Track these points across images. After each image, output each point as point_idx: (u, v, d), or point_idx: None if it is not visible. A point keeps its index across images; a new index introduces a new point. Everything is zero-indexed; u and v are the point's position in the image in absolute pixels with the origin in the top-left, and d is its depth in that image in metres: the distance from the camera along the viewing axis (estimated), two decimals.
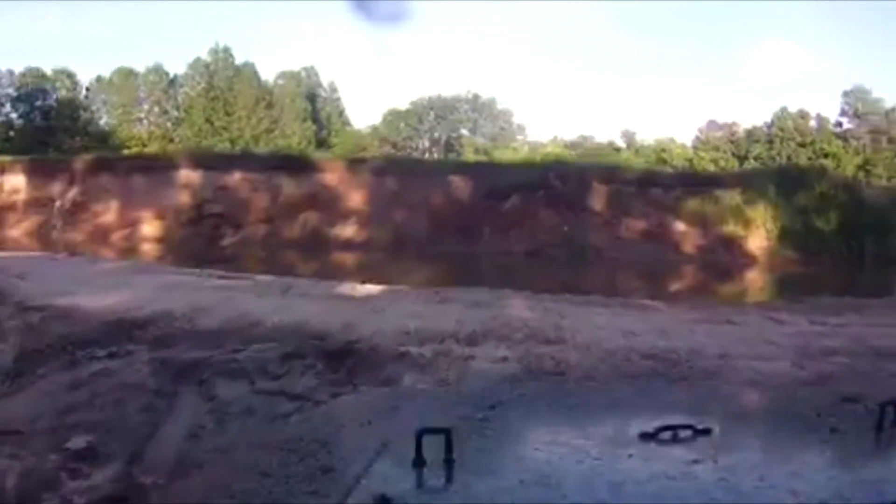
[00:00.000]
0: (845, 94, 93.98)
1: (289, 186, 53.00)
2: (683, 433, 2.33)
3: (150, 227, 51.03)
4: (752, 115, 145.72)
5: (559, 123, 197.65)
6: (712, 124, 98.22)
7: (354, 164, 55.18)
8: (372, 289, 18.27)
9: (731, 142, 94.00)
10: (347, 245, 50.85)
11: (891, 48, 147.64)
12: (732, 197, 56.49)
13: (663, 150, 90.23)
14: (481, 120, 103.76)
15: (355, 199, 53.46)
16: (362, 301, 15.69)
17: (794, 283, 41.70)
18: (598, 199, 56.54)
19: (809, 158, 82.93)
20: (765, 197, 55.95)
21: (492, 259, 46.79)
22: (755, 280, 46.28)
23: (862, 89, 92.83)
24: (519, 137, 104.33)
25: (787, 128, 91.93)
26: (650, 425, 2.34)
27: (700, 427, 2.37)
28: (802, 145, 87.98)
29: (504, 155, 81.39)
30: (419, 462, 1.97)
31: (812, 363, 8.33)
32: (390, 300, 15.74)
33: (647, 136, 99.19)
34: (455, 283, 24.21)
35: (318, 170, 53.90)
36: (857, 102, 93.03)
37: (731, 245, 54.12)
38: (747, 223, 54.88)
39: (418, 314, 12.80)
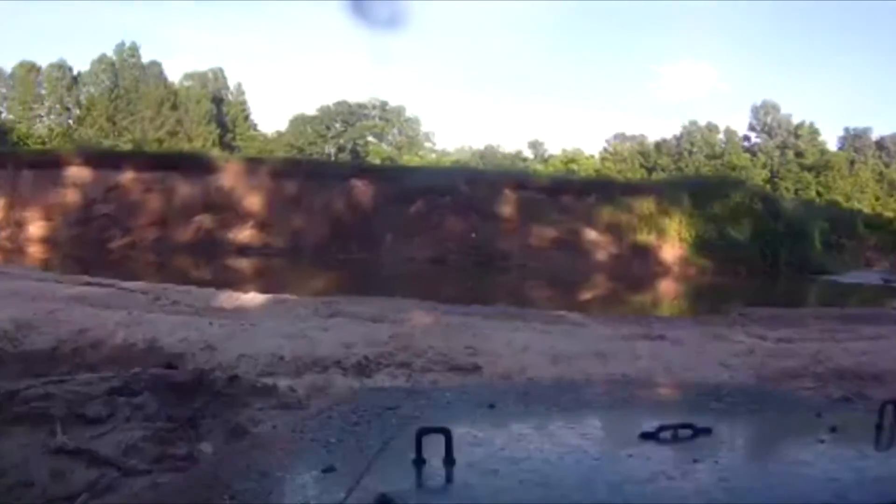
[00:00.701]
0: (754, 109, 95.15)
1: (183, 187, 49.55)
2: (683, 433, 2.09)
3: (35, 228, 47.21)
4: (662, 129, 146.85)
5: (467, 133, 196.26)
6: (620, 137, 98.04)
7: (253, 165, 52.05)
8: (254, 299, 15.95)
9: (640, 153, 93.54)
10: (243, 250, 47.76)
11: (800, 66, 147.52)
12: (646, 206, 55.11)
13: (571, 161, 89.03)
14: (389, 127, 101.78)
15: (253, 201, 50.09)
16: (238, 314, 13.42)
17: (712, 293, 40.95)
18: (507, 206, 54.79)
19: (717, 171, 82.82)
20: (679, 206, 55.31)
21: (395, 266, 44.20)
22: (671, 289, 44.40)
23: (771, 105, 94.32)
24: (427, 145, 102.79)
25: (696, 141, 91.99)
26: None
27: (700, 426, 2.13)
28: (711, 158, 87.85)
29: (411, 162, 79.45)
30: (419, 461, 1.81)
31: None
32: (271, 313, 13.53)
33: (555, 147, 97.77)
34: (352, 292, 22.00)
35: (214, 170, 50.41)
36: (765, 117, 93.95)
37: (645, 254, 53.12)
38: (661, 232, 54.14)
39: (300, 332, 10.63)
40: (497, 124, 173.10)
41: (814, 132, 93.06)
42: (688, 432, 2.11)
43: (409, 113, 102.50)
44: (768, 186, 78.09)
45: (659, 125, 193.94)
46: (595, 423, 2.68)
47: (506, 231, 52.83)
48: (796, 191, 79.48)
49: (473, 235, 51.71)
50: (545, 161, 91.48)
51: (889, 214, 79.27)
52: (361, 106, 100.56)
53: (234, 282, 27.90)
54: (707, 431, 2.15)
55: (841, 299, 38.30)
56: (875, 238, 75.03)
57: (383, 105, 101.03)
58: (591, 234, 53.45)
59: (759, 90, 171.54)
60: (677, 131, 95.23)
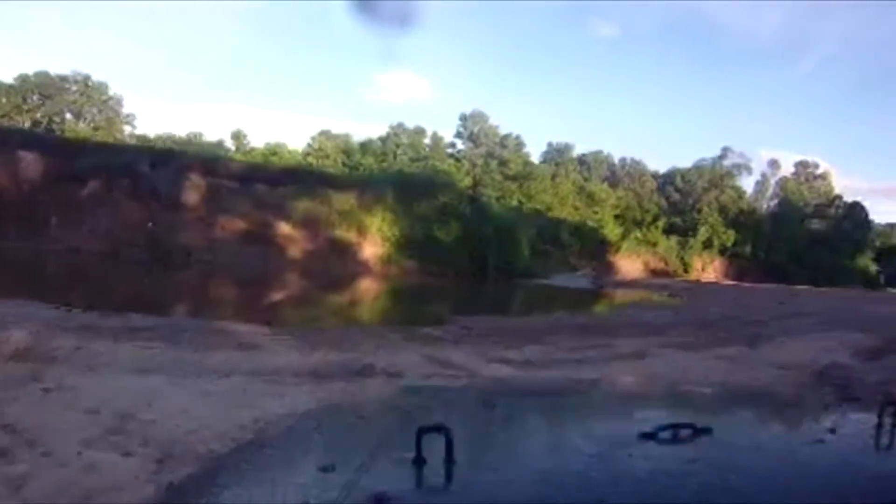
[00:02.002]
0: (463, 117, 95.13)
1: None
2: (683, 433, 2.15)
3: None
4: (370, 131, 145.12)
5: (172, 121, 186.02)
6: (326, 134, 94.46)
7: None
8: None
9: (344, 152, 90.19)
10: None
11: (511, 82, 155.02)
12: (347, 200, 51.32)
13: (273, 154, 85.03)
14: (89, 105, 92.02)
15: None
16: None
17: (419, 297, 37.59)
18: (193, 193, 49.25)
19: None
20: (382, 202, 52.06)
21: (53, 259, 37.67)
22: (372, 291, 40.10)
23: (479, 114, 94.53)
24: (126, 128, 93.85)
25: (401, 143, 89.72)
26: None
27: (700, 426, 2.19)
28: (415, 160, 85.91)
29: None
30: (419, 461, 1.89)
31: None
32: None
33: (259, 142, 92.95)
34: None
35: None
36: (473, 126, 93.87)
37: (344, 251, 49.16)
38: (362, 229, 50.84)
39: None
40: (203, 115, 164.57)
41: (519, 144, 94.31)
42: (688, 432, 2.11)
43: (112, 91, 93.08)
44: (472, 192, 76.14)
45: (369, 130, 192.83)
46: (595, 424, 2.58)
47: (190, 221, 47.65)
48: (498, 198, 79.60)
49: (151, 225, 46.10)
50: (247, 153, 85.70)
51: (592, 224, 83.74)
52: (63, 78, 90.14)
53: None
54: (707, 431, 2.14)
55: (558, 304, 36.82)
56: (579, 245, 79.17)
57: (86, 80, 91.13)
58: (285, 228, 48.82)
59: (470, 102, 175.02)
60: (384, 133, 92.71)
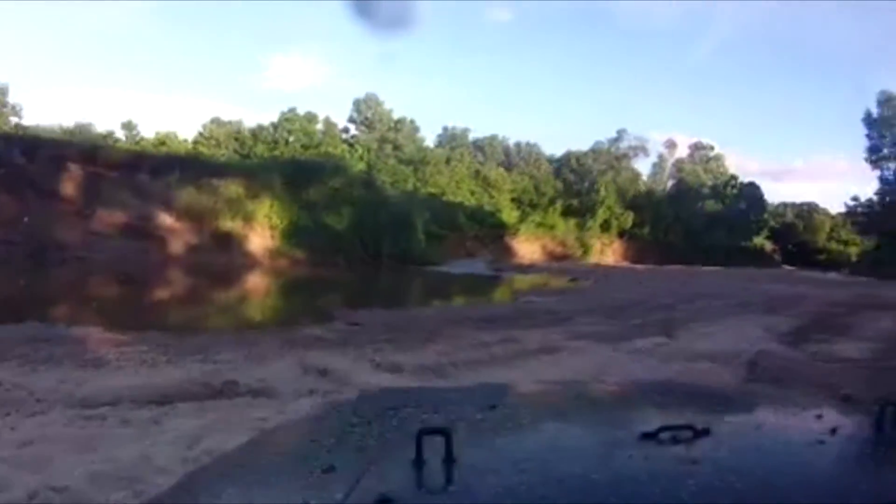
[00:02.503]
0: (356, 102, 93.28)
1: None
2: (683, 433, 2.11)
3: None
4: (264, 118, 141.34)
5: (61, 112, 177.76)
6: (217, 121, 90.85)
7: None
8: None
9: (235, 139, 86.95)
10: None
11: (405, 65, 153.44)
12: (234, 188, 48.59)
13: (163, 144, 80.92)
14: None
15: None
16: None
17: (306, 290, 35.43)
18: (71, 185, 46.08)
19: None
20: (270, 190, 49.54)
21: None
22: (255, 286, 37.53)
23: (373, 98, 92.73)
24: (12, 119, 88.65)
25: (293, 129, 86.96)
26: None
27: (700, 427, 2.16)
28: (307, 147, 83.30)
29: None
30: (419, 462, 1.88)
31: None
32: None
33: (151, 131, 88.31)
34: None
35: None
36: (367, 111, 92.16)
37: (230, 244, 46.61)
38: (249, 218, 48.29)
39: None
40: (94, 105, 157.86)
41: (414, 128, 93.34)
42: (688, 433, 2.09)
43: None
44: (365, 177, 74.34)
45: (262, 115, 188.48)
46: (595, 424, 2.59)
47: (67, 215, 44.37)
48: (393, 183, 77.25)
49: (27, 220, 42.60)
50: (137, 143, 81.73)
51: (489, 208, 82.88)
52: None
53: None
54: (707, 432, 2.11)
55: (456, 292, 35.65)
56: (475, 228, 78.31)
57: None
58: (168, 220, 46.06)
59: (365, 87, 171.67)
60: (275, 119, 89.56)
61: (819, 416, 2.46)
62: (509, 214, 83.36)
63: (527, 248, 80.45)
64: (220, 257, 44.19)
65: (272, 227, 48.24)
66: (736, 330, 19.48)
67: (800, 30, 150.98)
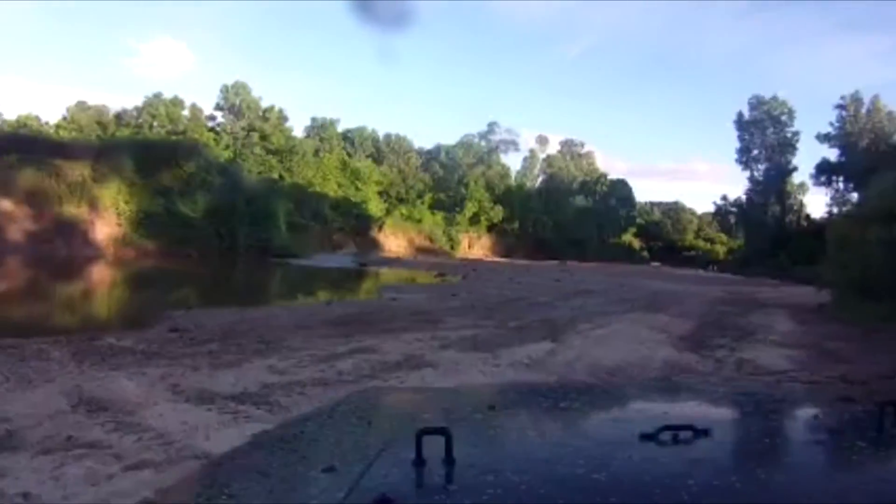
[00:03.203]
0: (224, 88, 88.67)
1: None
2: (683, 434, 2.13)
3: None
4: (128, 101, 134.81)
5: None
6: (82, 105, 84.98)
7: None
8: None
9: (98, 124, 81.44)
10: None
11: (275, 53, 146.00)
12: (80, 170, 43.97)
13: (23, 126, 75.22)
14: None
15: None
16: None
17: (151, 287, 31.03)
18: None
19: None
20: (120, 173, 45.08)
21: None
22: (93, 281, 33.02)
23: (241, 85, 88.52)
24: None
25: (158, 114, 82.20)
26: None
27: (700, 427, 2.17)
28: (172, 133, 78.87)
29: None
30: (419, 462, 1.87)
31: None
32: None
33: (14, 113, 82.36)
34: None
35: None
36: (235, 98, 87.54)
37: (73, 231, 41.87)
38: (95, 204, 43.61)
39: None
40: None
41: (282, 117, 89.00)
42: (687, 433, 2.11)
43: None
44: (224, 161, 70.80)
45: (130, 101, 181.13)
46: (596, 424, 2.63)
47: None
48: (259, 173, 74.84)
49: None
50: None
51: (356, 200, 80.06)
52: None
53: None
54: (706, 433, 2.12)
55: (315, 287, 31.98)
56: (341, 221, 75.30)
57: None
58: (6, 205, 41.09)
59: (235, 74, 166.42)
60: (140, 103, 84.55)
61: (816, 417, 2.46)
62: (376, 207, 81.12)
63: (394, 241, 78.28)
64: (63, 247, 40.06)
65: (119, 214, 43.89)
66: (628, 333, 17.19)
67: (671, 34, 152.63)
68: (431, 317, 18.73)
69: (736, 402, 2.79)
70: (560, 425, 2.39)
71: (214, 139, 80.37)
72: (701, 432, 2.05)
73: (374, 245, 73.79)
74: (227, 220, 45.54)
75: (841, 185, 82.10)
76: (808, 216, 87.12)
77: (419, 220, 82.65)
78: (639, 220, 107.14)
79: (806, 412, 2.75)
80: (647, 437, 2.01)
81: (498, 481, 1.73)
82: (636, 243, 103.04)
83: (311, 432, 2.38)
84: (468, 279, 39.36)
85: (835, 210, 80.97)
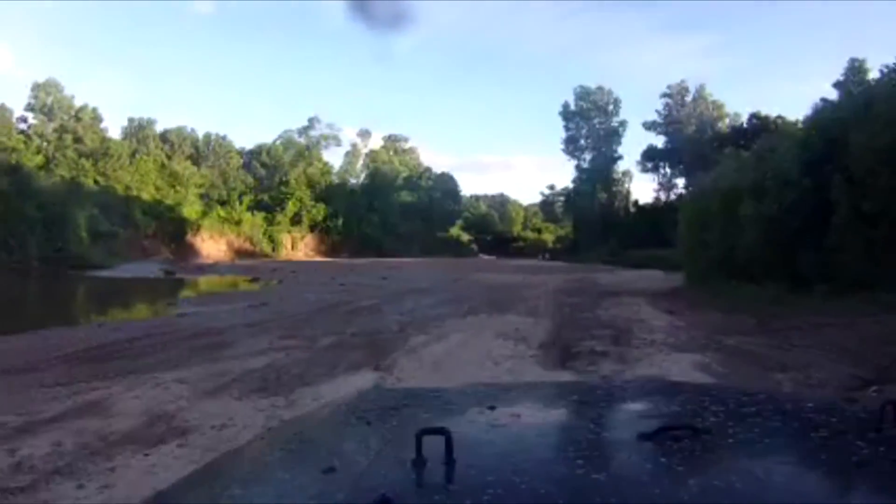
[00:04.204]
0: (35, 87, 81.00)
1: None
2: (682, 434, 2.05)
3: None
4: None
5: None
6: None
7: None
8: None
9: None
10: None
11: (91, 51, 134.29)
12: None
13: None
14: None
15: None
16: None
17: None
18: None
19: None
20: None
21: None
22: None
23: (53, 84, 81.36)
24: None
25: None
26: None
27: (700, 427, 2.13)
28: None
29: None
30: (419, 462, 1.79)
31: None
32: None
33: None
34: None
35: None
36: (46, 98, 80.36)
37: None
38: None
39: None
40: None
41: (96, 118, 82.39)
42: (687, 433, 2.03)
43: None
44: (43, 173, 65.11)
45: None
46: (595, 424, 2.44)
47: None
48: (73, 178, 68.93)
49: None
50: None
51: (170, 202, 75.25)
52: None
53: None
54: (706, 433, 2.05)
55: (100, 304, 28.34)
56: (155, 226, 70.50)
57: None
58: None
59: (50, 73, 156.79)
60: None
61: (816, 417, 2.39)
62: (191, 209, 75.78)
63: (212, 245, 73.78)
64: None
65: None
66: (475, 346, 14.22)
67: (497, 32, 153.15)
68: (220, 339, 14.81)
69: (736, 402, 2.52)
70: (560, 425, 2.34)
71: (24, 143, 73.03)
72: (701, 432, 1.99)
73: (191, 250, 69.27)
74: (16, 230, 40.30)
75: (668, 171, 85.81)
76: (636, 202, 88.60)
77: (238, 222, 78.10)
78: (465, 214, 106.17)
79: (806, 412, 2.46)
80: (646, 437, 1.92)
81: (498, 481, 1.66)
82: (465, 237, 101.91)
83: (311, 432, 2.32)
84: (285, 283, 36.48)
85: (662, 195, 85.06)
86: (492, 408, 2.33)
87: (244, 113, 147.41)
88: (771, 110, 73.13)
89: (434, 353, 13.05)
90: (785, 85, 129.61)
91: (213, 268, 52.60)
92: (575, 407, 2.54)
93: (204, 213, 75.52)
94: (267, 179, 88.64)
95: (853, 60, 56.31)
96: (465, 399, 2.70)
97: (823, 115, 26.65)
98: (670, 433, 1.92)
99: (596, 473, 1.72)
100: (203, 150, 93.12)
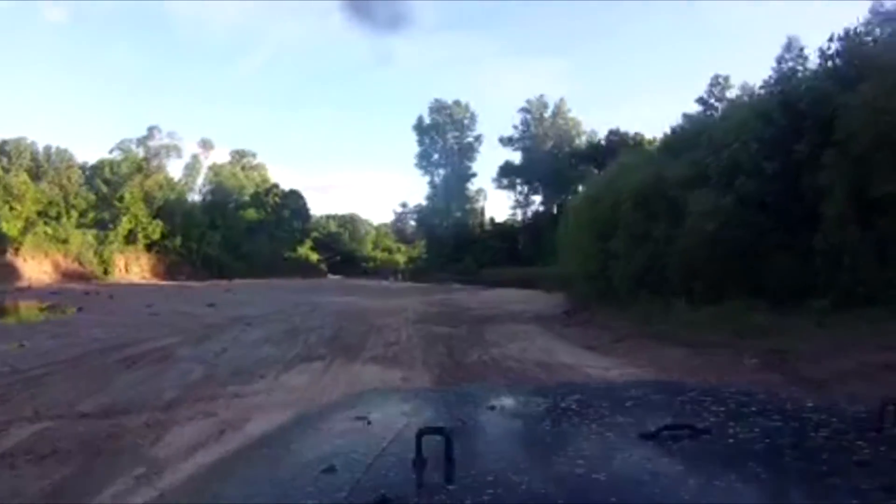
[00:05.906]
0: None
1: None
2: (682, 433, 2.15)
3: None
4: None
5: None
6: None
7: None
8: None
9: None
10: None
11: None
12: None
13: None
14: None
15: None
16: None
17: None
18: None
19: None
20: None
21: None
22: None
23: None
24: None
25: None
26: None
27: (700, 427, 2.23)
28: None
29: None
30: (419, 462, 1.87)
31: None
32: None
33: None
34: None
35: None
36: None
37: None
38: None
39: None
40: None
41: None
42: (687, 433, 2.12)
43: None
44: None
45: None
46: (595, 424, 2.51)
47: None
48: None
49: None
50: None
51: None
52: None
53: None
54: (706, 433, 2.14)
55: None
56: None
57: None
58: None
59: None
60: None
61: (816, 417, 2.40)
62: (11, 226, 66.89)
63: (35, 266, 65.12)
64: None
65: None
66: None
67: (350, 52, 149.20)
68: None
69: (736, 402, 2.61)
70: (560, 425, 2.33)
71: None
72: (701, 432, 2.04)
73: (11, 272, 60.72)
74: None
75: (525, 188, 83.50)
76: (491, 219, 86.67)
77: (65, 241, 69.93)
78: (314, 234, 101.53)
79: (806, 412, 2.52)
80: (646, 436, 1.98)
81: (498, 481, 1.71)
82: (314, 256, 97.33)
83: (311, 432, 2.36)
84: (87, 310, 30.91)
85: (518, 213, 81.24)
86: (492, 408, 2.43)
87: (88, 125, 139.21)
88: (630, 128, 70.82)
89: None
90: (643, 106, 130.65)
91: (23, 293, 45.28)
92: (575, 407, 2.48)
93: (24, 230, 67.16)
94: (109, 196, 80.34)
95: (716, 77, 55.62)
96: (465, 399, 2.84)
97: (794, 82, 20.93)
98: (670, 433, 1.96)
99: (596, 473, 1.74)
100: (43, 165, 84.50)
